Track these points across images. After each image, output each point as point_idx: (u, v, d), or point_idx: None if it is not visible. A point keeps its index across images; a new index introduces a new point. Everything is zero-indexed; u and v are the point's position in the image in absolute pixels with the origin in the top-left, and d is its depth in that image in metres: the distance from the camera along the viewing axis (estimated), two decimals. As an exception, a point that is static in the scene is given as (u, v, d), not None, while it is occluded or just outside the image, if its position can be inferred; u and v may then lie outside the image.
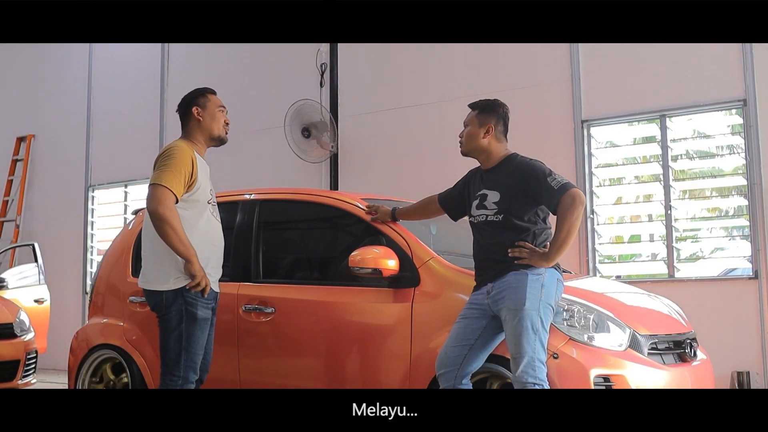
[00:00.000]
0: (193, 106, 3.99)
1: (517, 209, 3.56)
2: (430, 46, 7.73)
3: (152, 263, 3.85)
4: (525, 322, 3.36)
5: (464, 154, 3.83)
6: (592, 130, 7.08)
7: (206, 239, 3.88)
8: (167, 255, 3.76)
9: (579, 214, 3.47)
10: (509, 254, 3.52)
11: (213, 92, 4.07)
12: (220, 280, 4.18)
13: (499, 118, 3.76)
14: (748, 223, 6.40)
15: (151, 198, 3.71)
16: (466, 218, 3.86)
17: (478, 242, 3.69)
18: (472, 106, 3.84)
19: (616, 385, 3.48)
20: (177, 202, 3.74)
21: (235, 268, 4.59)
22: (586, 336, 3.60)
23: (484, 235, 3.64)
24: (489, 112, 3.75)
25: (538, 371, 3.33)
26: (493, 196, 3.62)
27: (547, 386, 3.35)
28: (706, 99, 6.57)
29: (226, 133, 4.06)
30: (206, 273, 3.80)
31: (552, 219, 3.64)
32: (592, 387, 3.46)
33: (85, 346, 4.98)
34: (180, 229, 3.71)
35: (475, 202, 3.70)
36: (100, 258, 6.43)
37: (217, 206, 4.05)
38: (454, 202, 3.96)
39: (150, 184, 3.76)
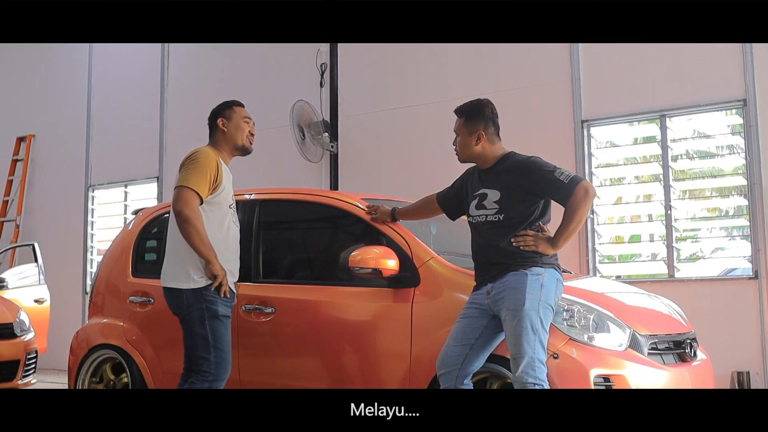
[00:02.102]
0: (218, 118, 4.11)
1: (517, 207, 3.56)
2: (430, 46, 7.73)
3: (174, 262, 3.92)
4: (525, 323, 3.36)
5: (462, 161, 3.83)
6: (592, 130, 7.08)
7: (226, 242, 3.97)
8: (188, 254, 3.84)
9: (590, 206, 3.53)
10: (513, 243, 3.52)
11: (240, 104, 4.19)
12: None
13: (488, 121, 3.70)
14: (748, 223, 6.40)
15: (178, 199, 3.81)
16: (465, 217, 3.85)
17: (478, 242, 3.68)
18: (458, 112, 3.78)
19: (616, 385, 3.48)
20: (201, 203, 3.85)
21: (235, 268, 4.60)
22: (586, 336, 3.60)
23: (483, 236, 3.64)
24: (475, 118, 3.70)
25: (538, 371, 3.32)
26: (493, 195, 3.61)
27: (547, 386, 3.34)
28: (706, 99, 6.57)
29: (251, 143, 4.17)
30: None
31: (554, 216, 3.64)
32: (592, 387, 3.46)
33: (85, 346, 4.98)
34: (202, 230, 3.81)
35: (474, 202, 3.69)
36: (100, 258, 6.43)
37: (236, 213, 4.15)
38: (451, 201, 3.95)
39: (176, 186, 3.86)
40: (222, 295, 3.84)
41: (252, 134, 4.16)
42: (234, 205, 4.10)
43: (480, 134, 3.67)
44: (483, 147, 3.68)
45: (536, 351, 3.34)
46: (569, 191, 3.47)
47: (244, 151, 4.15)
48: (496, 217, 3.58)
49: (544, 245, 3.51)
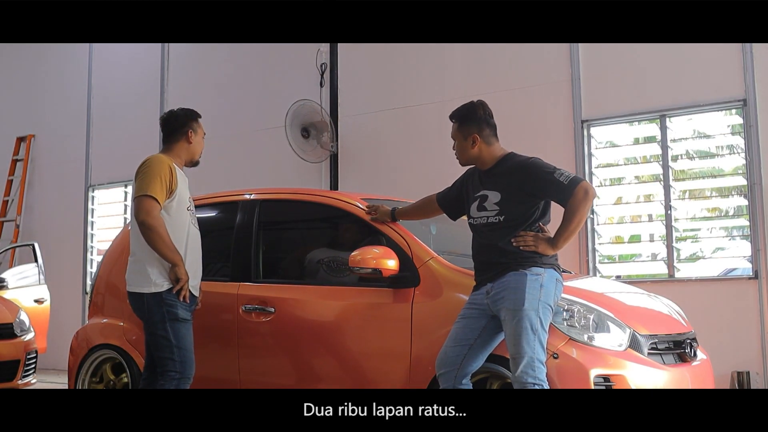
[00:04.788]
0: (188, 129, 4.18)
1: (518, 209, 3.56)
2: (430, 46, 7.73)
3: (136, 267, 4.02)
4: (524, 323, 3.36)
5: (463, 165, 3.83)
6: (592, 130, 7.08)
7: (187, 245, 4.05)
8: (148, 259, 3.94)
9: (590, 206, 3.52)
10: (513, 244, 3.52)
11: (200, 117, 4.28)
12: (220, 280, 4.45)
13: (482, 123, 3.68)
14: (748, 223, 6.40)
15: (139, 209, 3.92)
16: (465, 218, 3.85)
17: (478, 243, 3.68)
18: (452, 117, 3.77)
19: (616, 385, 3.48)
20: (161, 209, 3.94)
21: (235, 268, 4.60)
22: (586, 336, 3.60)
23: (484, 237, 3.64)
24: (469, 122, 3.69)
25: (537, 371, 3.32)
26: (493, 197, 3.61)
27: (546, 386, 3.34)
28: (706, 99, 6.57)
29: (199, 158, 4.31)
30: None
31: (554, 217, 3.64)
32: (592, 387, 3.46)
33: (85, 346, 4.98)
34: (166, 235, 3.91)
35: (475, 204, 3.68)
36: (100, 258, 6.43)
37: (195, 216, 4.20)
38: (452, 202, 3.95)
39: (135, 197, 3.97)
40: (182, 299, 3.93)
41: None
42: (192, 207, 4.17)
43: (475, 137, 3.67)
44: (480, 149, 3.68)
45: (536, 351, 3.34)
46: (569, 192, 3.46)
47: (196, 165, 4.26)
48: (496, 219, 3.58)
49: (544, 246, 3.51)
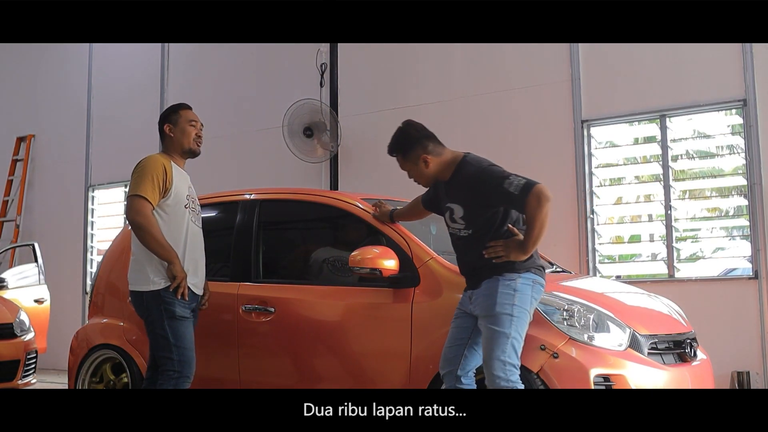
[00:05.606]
0: (165, 124, 4.20)
1: (481, 220, 3.55)
2: (430, 46, 7.73)
3: (135, 266, 4.05)
4: (496, 326, 3.38)
5: (427, 186, 3.84)
6: (592, 130, 7.08)
7: (186, 243, 4.05)
8: (145, 258, 3.96)
9: (548, 210, 3.38)
10: (485, 256, 3.52)
11: (187, 107, 4.24)
12: (220, 280, 4.41)
13: (422, 140, 3.69)
14: (748, 223, 6.40)
15: (129, 209, 3.95)
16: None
17: (456, 254, 3.74)
18: (392, 152, 3.78)
19: (616, 385, 3.49)
20: (154, 208, 3.96)
21: (235, 268, 4.61)
22: (586, 336, 3.60)
23: (459, 250, 3.69)
24: (412, 147, 3.69)
25: (509, 374, 3.33)
26: (458, 211, 3.62)
27: (520, 387, 3.35)
28: (706, 99, 6.57)
29: (199, 146, 4.22)
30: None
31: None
32: (592, 387, 3.46)
33: (85, 346, 4.99)
34: (158, 234, 3.91)
35: (447, 215, 3.71)
36: (100, 258, 6.44)
37: (198, 213, 4.19)
38: (434, 203, 3.95)
39: (127, 197, 4.00)
40: (179, 297, 3.92)
41: (199, 136, 4.21)
42: (191, 205, 4.14)
43: (424, 157, 3.68)
44: (434, 164, 3.69)
45: (507, 354, 3.34)
46: (522, 202, 3.42)
47: (192, 153, 4.21)
48: (465, 233, 3.61)
49: (516, 253, 3.48)
